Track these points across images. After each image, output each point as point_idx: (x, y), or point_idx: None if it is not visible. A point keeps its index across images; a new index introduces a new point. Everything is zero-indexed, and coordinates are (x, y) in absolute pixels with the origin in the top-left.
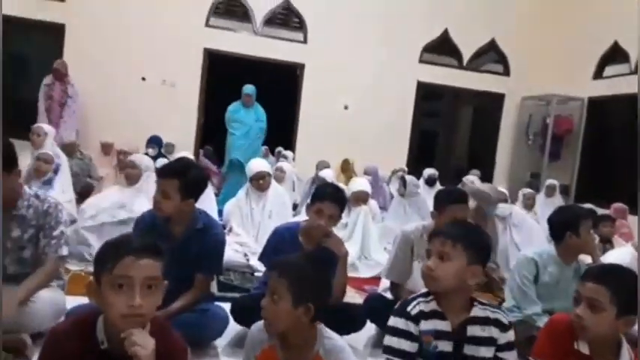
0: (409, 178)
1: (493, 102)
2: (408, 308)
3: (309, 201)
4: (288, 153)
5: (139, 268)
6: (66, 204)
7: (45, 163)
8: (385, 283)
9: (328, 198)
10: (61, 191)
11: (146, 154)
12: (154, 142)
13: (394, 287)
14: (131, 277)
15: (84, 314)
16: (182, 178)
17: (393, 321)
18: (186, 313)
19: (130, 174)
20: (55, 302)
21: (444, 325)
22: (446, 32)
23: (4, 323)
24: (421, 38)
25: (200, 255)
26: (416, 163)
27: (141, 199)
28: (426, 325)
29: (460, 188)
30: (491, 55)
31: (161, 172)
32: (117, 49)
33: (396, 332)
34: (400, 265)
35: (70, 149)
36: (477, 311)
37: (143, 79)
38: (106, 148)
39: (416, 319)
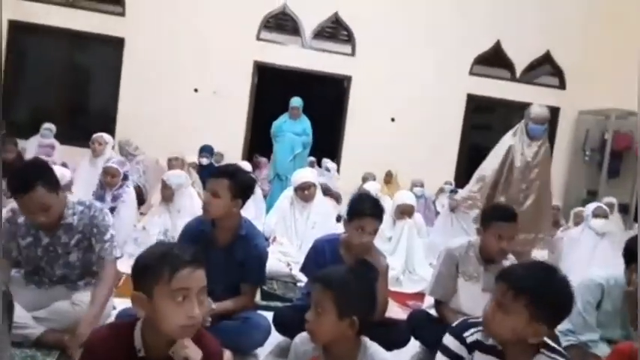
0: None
1: None
2: (465, 334)
3: (346, 216)
4: (332, 165)
5: (195, 279)
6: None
7: (112, 177)
8: (430, 299)
9: (368, 214)
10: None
11: (199, 162)
12: (207, 150)
13: (438, 305)
14: (189, 289)
15: (122, 321)
16: (232, 178)
17: (448, 340)
18: (228, 320)
19: (164, 194)
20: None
21: None
22: (498, 44)
23: (53, 324)
24: (472, 50)
25: (244, 263)
26: (464, 178)
27: (182, 219)
28: (480, 358)
29: (509, 206)
30: (545, 68)
31: (212, 174)
32: (171, 61)
33: (449, 353)
34: (444, 282)
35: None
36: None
37: (195, 90)
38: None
39: (471, 347)
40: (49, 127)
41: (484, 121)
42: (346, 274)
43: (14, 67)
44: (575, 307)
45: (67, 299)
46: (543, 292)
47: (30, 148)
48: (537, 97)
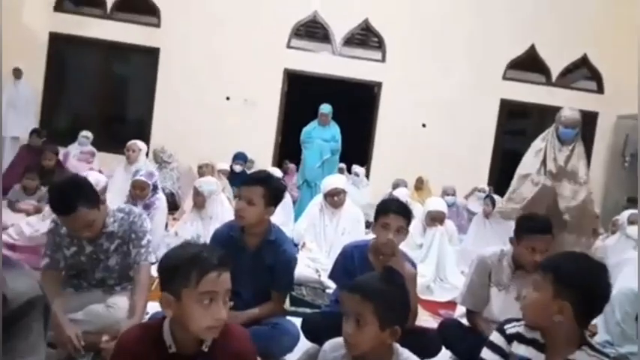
0: (498, 197)
1: (585, 121)
2: (506, 326)
3: (374, 220)
4: (360, 170)
5: (222, 283)
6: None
7: (141, 190)
8: (462, 308)
9: (392, 210)
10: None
11: (232, 169)
12: (240, 158)
13: (470, 314)
14: (216, 292)
15: (152, 320)
16: (266, 186)
17: (493, 335)
18: (257, 325)
19: (196, 201)
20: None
21: (537, 357)
22: (532, 48)
23: (87, 326)
24: (505, 54)
25: (273, 268)
26: (498, 185)
27: (214, 225)
28: (519, 349)
29: (544, 216)
30: (582, 72)
31: (245, 181)
32: (204, 70)
33: (490, 345)
34: (476, 291)
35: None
36: (581, 356)
37: (227, 98)
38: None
39: (509, 338)
40: (86, 134)
41: (518, 127)
42: (383, 284)
43: (55, 77)
44: (614, 317)
45: (103, 302)
46: (569, 269)
47: (70, 155)
48: (574, 102)
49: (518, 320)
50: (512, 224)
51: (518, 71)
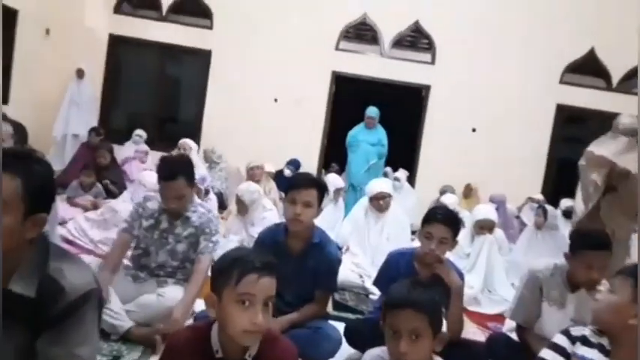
0: (550, 208)
1: None
2: (573, 328)
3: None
4: (400, 174)
5: (261, 287)
6: None
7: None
8: (511, 322)
9: (436, 220)
10: None
11: (284, 173)
12: (294, 164)
13: (520, 330)
14: (254, 295)
15: (201, 323)
16: (319, 188)
17: (557, 337)
18: (300, 329)
19: (238, 208)
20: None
21: None
22: (592, 51)
23: (139, 316)
24: (563, 58)
25: (317, 270)
26: (552, 194)
27: (257, 230)
28: (582, 350)
29: (601, 231)
30: None
31: (301, 184)
32: (254, 71)
33: (552, 346)
34: (527, 306)
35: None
36: None
37: (275, 100)
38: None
39: (573, 339)
40: (140, 133)
41: (575, 134)
42: (429, 291)
43: (113, 77)
44: None
45: (154, 293)
46: None
47: (124, 153)
48: (635, 108)
49: (585, 324)
50: (564, 236)
51: (577, 75)
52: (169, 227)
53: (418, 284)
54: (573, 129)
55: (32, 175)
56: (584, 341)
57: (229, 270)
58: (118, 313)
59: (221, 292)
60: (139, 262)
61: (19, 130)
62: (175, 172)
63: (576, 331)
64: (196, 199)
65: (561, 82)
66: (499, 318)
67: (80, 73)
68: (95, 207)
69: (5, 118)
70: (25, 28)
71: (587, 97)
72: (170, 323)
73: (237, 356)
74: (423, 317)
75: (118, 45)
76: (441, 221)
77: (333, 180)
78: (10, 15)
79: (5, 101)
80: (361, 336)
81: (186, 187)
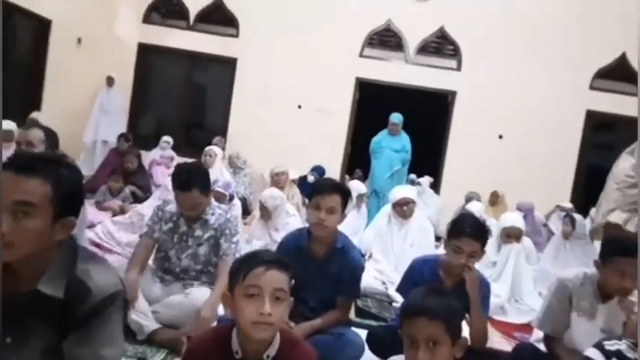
0: (579, 217)
1: None
2: (607, 342)
3: (445, 237)
4: (423, 180)
5: (268, 279)
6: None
7: (217, 200)
8: (538, 332)
9: (465, 234)
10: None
11: (307, 179)
12: (318, 171)
13: (548, 340)
14: (261, 287)
15: (222, 325)
16: (342, 193)
17: (589, 351)
18: (323, 335)
19: (262, 213)
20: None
21: None
22: (623, 56)
23: (166, 316)
24: (592, 63)
25: (340, 276)
26: (581, 202)
27: (280, 235)
28: None
29: (634, 237)
30: None
31: (325, 190)
32: (278, 79)
33: None
34: (555, 316)
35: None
36: None
37: (299, 107)
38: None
39: (608, 354)
40: (167, 139)
41: (605, 140)
42: (444, 298)
43: (142, 85)
44: None
45: (182, 292)
46: None
47: (150, 159)
48: None
49: (619, 339)
50: (592, 246)
51: (607, 81)
52: (188, 230)
53: (434, 291)
54: (603, 135)
55: (62, 179)
56: (620, 356)
57: (239, 267)
58: (144, 313)
59: (233, 289)
60: (163, 265)
61: (51, 136)
62: (190, 183)
63: (611, 345)
64: (213, 202)
65: (591, 87)
66: (526, 328)
67: (110, 81)
68: (123, 211)
69: (37, 124)
70: (57, 37)
71: (618, 103)
72: (198, 322)
73: (256, 357)
74: (439, 324)
75: (146, 53)
76: (470, 235)
77: (356, 186)
78: (44, 25)
79: (38, 108)
80: (384, 343)
81: (201, 197)
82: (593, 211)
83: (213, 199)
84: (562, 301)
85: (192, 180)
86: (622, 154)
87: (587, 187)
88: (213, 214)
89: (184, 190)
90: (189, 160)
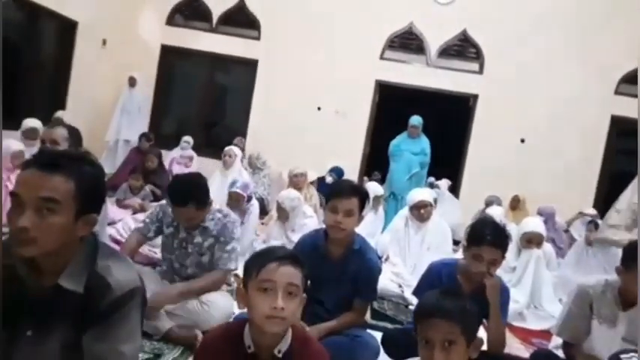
0: (602, 223)
1: None
2: (623, 355)
3: (465, 242)
4: (441, 182)
5: (281, 274)
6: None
7: (236, 201)
8: (557, 339)
9: (487, 242)
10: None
11: (325, 180)
12: (336, 172)
13: (567, 347)
14: (274, 282)
15: (234, 322)
16: (360, 196)
17: None
18: (338, 336)
19: (279, 214)
20: (225, 306)
21: None
22: None
23: (182, 320)
24: (618, 67)
25: (357, 278)
26: (605, 208)
27: (297, 236)
28: None
29: None
30: None
31: (343, 193)
32: (298, 80)
33: None
34: (575, 323)
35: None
36: None
37: (319, 108)
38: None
39: None
40: (187, 139)
41: (630, 146)
42: (458, 299)
43: (164, 86)
44: None
45: (196, 299)
46: None
47: (172, 158)
48: None
49: (634, 351)
50: (616, 253)
51: (633, 86)
52: (187, 236)
53: (449, 293)
54: (628, 141)
55: (85, 177)
56: None
57: (253, 263)
58: (158, 315)
59: (247, 285)
60: (168, 275)
61: (74, 134)
62: (185, 198)
63: (628, 357)
64: (213, 207)
65: (616, 92)
66: (545, 334)
67: (132, 82)
68: (143, 209)
69: (61, 122)
70: (83, 38)
71: None
72: (153, 297)
73: (268, 351)
74: (454, 325)
75: (169, 55)
76: (491, 243)
77: (373, 187)
78: (70, 26)
79: (63, 107)
80: (399, 346)
81: (197, 212)
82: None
83: (215, 204)
84: (582, 308)
85: (188, 194)
86: None
87: (611, 193)
88: (212, 219)
89: (179, 205)
90: (178, 173)
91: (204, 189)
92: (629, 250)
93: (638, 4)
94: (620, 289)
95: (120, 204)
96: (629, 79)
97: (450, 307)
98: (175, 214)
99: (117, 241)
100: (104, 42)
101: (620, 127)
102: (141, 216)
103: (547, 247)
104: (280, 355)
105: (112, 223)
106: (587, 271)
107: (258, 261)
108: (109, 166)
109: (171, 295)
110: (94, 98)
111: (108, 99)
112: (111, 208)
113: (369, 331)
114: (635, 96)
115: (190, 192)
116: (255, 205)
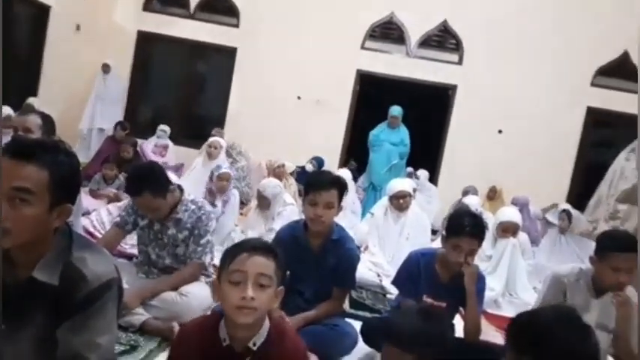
0: (575, 212)
1: None
2: None
3: (444, 232)
4: (421, 172)
5: (252, 264)
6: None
7: (225, 181)
8: None
9: (465, 233)
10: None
11: (306, 168)
12: (318, 162)
13: None
14: (245, 272)
15: (210, 315)
16: (340, 188)
17: None
18: (317, 326)
19: (260, 203)
20: (203, 297)
21: None
22: (625, 54)
23: (160, 312)
24: (594, 60)
25: (336, 267)
26: (579, 198)
27: (277, 225)
28: None
29: (629, 233)
30: None
31: (322, 186)
32: (278, 69)
33: None
34: None
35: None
36: None
37: (299, 98)
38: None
39: None
40: (163, 128)
41: (605, 138)
42: (419, 326)
43: (140, 73)
44: None
45: (174, 290)
46: None
47: (147, 148)
48: None
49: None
50: (588, 241)
51: (609, 78)
52: (162, 228)
53: (423, 317)
54: (603, 132)
55: (59, 166)
56: None
57: (226, 255)
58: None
59: (220, 276)
60: (148, 260)
61: (48, 122)
62: (139, 188)
63: None
64: (187, 196)
65: (592, 84)
66: None
67: (106, 68)
68: (117, 199)
69: (33, 109)
70: (56, 23)
71: (619, 101)
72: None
73: (243, 344)
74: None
75: (146, 41)
76: (470, 234)
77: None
78: (43, 11)
79: (34, 94)
80: (377, 335)
81: (155, 200)
82: (590, 206)
83: (187, 195)
84: (556, 296)
85: (141, 184)
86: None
87: (586, 183)
88: (186, 210)
89: (134, 194)
90: (143, 160)
91: (159, 177)
92: (603, 240)
93: None
94: (593, 277)
95: (94, 194)
96: (604, 71)
97: (410, 338)
98: (137, 206)
99: (90, 233)
100: (78, 27)
101: (595, 119)
102: (114, 207)
103: (522, 236)
104: (255, 349)
105: (85, 214)
106: (561, 260)
107: (230, 253)
108: (83, 155)
109: (134, 302)
110: (67, 85)
111: (81, 86)
112: (84, 199)
113: (347, 320)
114: (611, 88)
115: (144, 181)
116: (235, 195)
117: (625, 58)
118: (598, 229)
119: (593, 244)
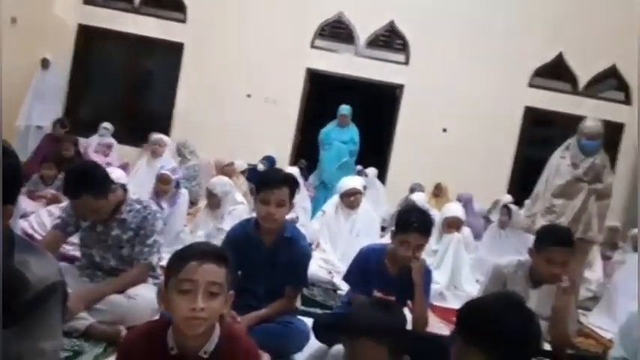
0: (515, 208)
1: (612, 132)
2: None
3: (393, 228)
4: (369, 170)
5: (202, 273)
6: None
7: (164, 184)
8: None
9: (413, 229)
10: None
11: (257, 167)
12: (269, 160)
13: None
14: (195, 281)
15: (157, 321)
16: (291, 186)
17: None
18: (269, 323)
19: (210, 202)
20: (151, 300)
21: None
22: (560, 56)
23: (107, 316)
24: (532, 61)
25: (288, 265)
26: (518, 193)
27: (227, 224)
28: None
29: (567, 228)
30: (611, 82)
31: (273, 184)
32: (226, 66)
33: None
34: None
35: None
36: None
37: (248, 95)
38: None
39: None
40: (106, 126)
41: (543, 135)
42: (386, 318)
43: (81, 68)
44: (631, 336)
45: (120, 293)
46: None
47: (89, 146)
48: (601, 112)
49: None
50: (527, 235)
51: (545, 79)
52: (105, 229)
53: (383, 309)
54: (541, 131)
55: None
56: None
57: (174, 261)
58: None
59: (167, 283)
60: (92, 262)
61: None
62: (77, 190)
63: None
64: (131, 195)
65: (530, 85)
66: None
67: (45, 63)
68: (56, 200)
69: None
70: None
71: (555, 101)
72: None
73: (193, 352)
74: (382, 349)
75: (87, 36)
76: (417, 230)
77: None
78: None
79: None
80: (329, 330)
81: (96, 202)
82: (527, 202)
83: (131, 195)
84: (497, 287)
85: (80, 186)
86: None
87: (524, 179)
88: (130, 210)
89: (72, 197)
90: (89, 160)
91: (100, 177)
92: (542, 234)
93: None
94: (531, 268)
95: (31, 196)
96: (541, 72)
97: (378, 329)
98: (76, 209)
99: (29, 236)
100: (13, 20)
101: (532, 118)
102: (55, 208)
103: (466, 231)
104: (207, 356)
105: (23, 216)
106: (501, 253)
107: (179, 260)
108: (20, 154)
109: (78, 307)
110: (2, 81)
111: (18, 82)
112: (22, 201)
113: (299, 317)
114: (547, 89)
115: (82, 183)
116: (184, 194)
117: (560, 60)
118: (536, 224)
119: (531, 238)
